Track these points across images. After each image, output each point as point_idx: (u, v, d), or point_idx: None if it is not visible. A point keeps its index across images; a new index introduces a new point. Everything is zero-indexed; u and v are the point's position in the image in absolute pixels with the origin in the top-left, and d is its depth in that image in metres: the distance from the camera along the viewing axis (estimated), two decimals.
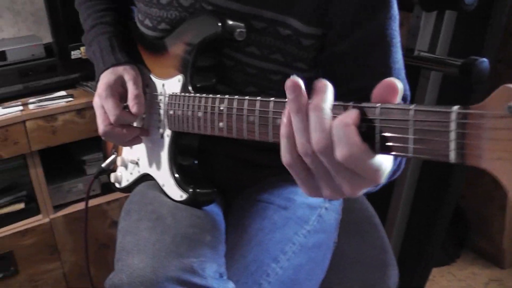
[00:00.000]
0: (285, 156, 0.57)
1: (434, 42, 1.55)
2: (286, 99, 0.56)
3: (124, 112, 0.92)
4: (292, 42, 0.87)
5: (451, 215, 1.71)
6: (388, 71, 0.86)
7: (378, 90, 0.52)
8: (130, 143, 0.99)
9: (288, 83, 0.55)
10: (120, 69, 0.96)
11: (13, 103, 1.67)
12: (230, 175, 1.04)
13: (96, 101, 0.95)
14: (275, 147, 0.60)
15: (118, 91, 0.95)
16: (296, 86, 0.55)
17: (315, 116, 0.53)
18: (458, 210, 2.12)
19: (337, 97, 0.90)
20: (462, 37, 1.57)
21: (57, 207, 1.83)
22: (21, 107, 1.63)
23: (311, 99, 0.55)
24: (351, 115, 0.51)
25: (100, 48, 1.01)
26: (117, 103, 0.93)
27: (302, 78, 0.89)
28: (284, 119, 0.57)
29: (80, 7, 1.13)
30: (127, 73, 0.95)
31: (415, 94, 1.66)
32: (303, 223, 0.96)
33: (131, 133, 0.96)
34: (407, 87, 0.89)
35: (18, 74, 1.72)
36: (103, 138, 0.97)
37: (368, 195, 1.74)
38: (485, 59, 1.31)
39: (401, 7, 0.87)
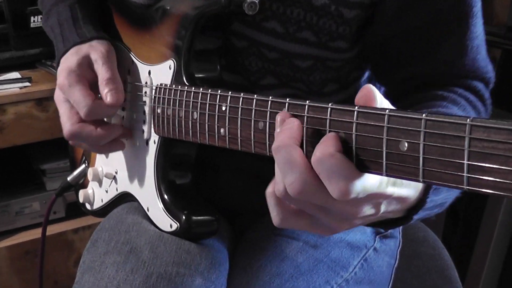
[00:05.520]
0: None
1: None
2: (307, 101, 0.66)
3: (99, 101, 0.98)
4: (330, 14, 0.93)
5: None
6: (463, 51, 0.94)
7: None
8: (108, 148, 1.05)
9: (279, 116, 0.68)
10: (84, 47, 1.02)
11: None
12: (239, 197, 1.11)
13: (58, 95, 1.02)
14: None
15: (87, 77, 1.01)
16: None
17: (282, 156, 0.64)
18: None
19: (394, 85, 1.03)
20: None
21: (0, 235, 1.89)
22: None
23: (277, 135, 0.66)
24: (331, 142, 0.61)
25: (59, 22, 1.07)
26: (87, 90, 0.98)
27: (340, 61, 0.99)
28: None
29: None
30: (94, 51, 1.01)
31: None
32: (340, 268, 1.01)
33: (108, 133, 1.01)
34: (490, 68, 0.98)
35: None
36: (70, 142, 1.04)
37: (444, 239, 1.77)
38: None
39: None
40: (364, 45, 1.01)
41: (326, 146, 0.60)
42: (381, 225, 0.75)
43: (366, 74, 1.09)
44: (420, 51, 0.96)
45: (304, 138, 0.66)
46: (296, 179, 0.62)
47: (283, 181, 0.64)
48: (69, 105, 1.00)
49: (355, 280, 1.02)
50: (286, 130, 0.65)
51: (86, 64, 1.01)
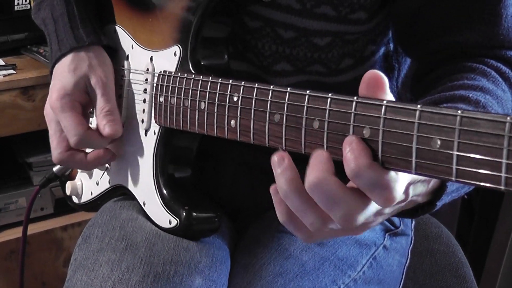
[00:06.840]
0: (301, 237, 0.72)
1: None
2: (329, 94, 0.66)
3: (91, 132, 0.99)
4: None
5: None
6: (497, 20, 0.94)
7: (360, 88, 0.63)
8: (101, 167, 1.07)
9: (274, 157, 0.67)
10: (83, 66, 1.00)
11: None
12: (243, 193, 1.11)
13: (49, 113, 1.01)
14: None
15: (81, 101, 1.01)
16: (282, 158, 0.67)
17: (321, 193, 0.64)
18: None
19: (422, 57, 1.04)
20: None
21: None
22: None
23: (307, 173, 0.65)
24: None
25: (54, 17, 1.06)
26: (80, 118, 0.99)
27: (357, 34, 1.01)
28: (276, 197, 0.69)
29: None
30: (94, 74, 1.01)
31: None
32: (348, 267, 1.01)
33: (99, 160, 1.03)
34: None
35: None
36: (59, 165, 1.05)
37: (459, 235, 1.76)
38: None
39: None
40: (395, 18, 1.02)
41: (359, 157, 0.60)
42: (408, 214, 0.76)
43: (382, 50, 1.10)
44: (451, 20, 0.96)
45: (325, 134, 0.66)
46: (345, 211, 0.63)
47: (328, 215, 0.65)
48: (59, 128, 1.00)
49: (363, 279, 1.02)
50: (318, 164, 0.64)
51: (82, 86, 1.01)
